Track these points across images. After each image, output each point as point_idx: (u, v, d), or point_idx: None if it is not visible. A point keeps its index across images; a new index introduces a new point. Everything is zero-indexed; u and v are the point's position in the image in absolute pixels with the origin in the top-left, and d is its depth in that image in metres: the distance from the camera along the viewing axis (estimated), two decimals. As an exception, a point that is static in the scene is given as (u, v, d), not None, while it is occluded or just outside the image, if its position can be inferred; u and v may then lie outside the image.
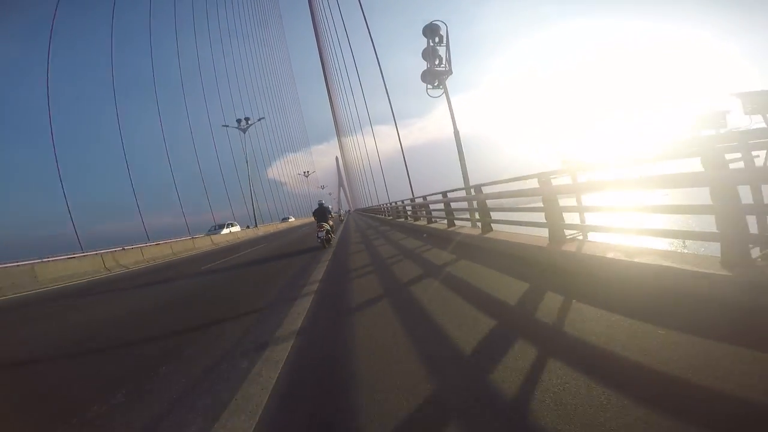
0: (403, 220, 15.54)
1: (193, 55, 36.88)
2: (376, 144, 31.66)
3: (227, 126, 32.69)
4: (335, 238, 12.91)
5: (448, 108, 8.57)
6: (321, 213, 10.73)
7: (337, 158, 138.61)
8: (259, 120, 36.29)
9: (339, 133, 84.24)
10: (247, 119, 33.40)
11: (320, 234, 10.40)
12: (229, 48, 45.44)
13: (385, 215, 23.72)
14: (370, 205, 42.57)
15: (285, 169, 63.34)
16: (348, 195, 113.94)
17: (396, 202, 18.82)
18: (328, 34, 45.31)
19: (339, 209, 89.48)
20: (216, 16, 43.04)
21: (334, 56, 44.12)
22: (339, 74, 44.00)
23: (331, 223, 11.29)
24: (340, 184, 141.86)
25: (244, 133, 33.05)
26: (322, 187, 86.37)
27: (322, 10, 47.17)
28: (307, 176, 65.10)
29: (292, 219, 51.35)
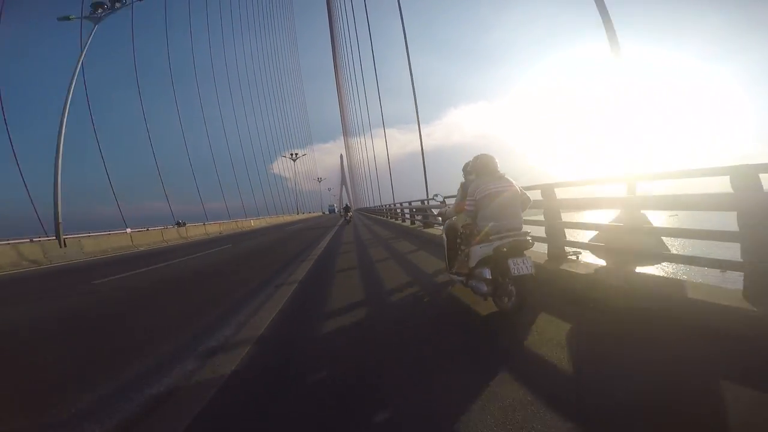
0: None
1: (204, 48, 36.63)
2: (387, 147, 31.34)
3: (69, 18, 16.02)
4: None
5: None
6: (347, 208, 25.53)
7: (341, 156, 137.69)
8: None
9: (345, 132, 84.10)
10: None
11: (346, 217, 23.41)
12: (240, 42, 45.26)
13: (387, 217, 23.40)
14: (372, 205, 42.27)
15: (285, 164, 63.03)
16: (350, 194, 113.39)
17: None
18: (343, 36, 45.20)
19: (337, 206, 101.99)
20: (229, 12, 42.85)
21: (347, 57, 44.03)
22: (350, 75, 43.90)
23: (351, 213, 24.95)
24: (343, 182, 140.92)
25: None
26: (319, 180, 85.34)
27: (340, 14, 47.14)
28: (294, 160, 58.09)
29: None
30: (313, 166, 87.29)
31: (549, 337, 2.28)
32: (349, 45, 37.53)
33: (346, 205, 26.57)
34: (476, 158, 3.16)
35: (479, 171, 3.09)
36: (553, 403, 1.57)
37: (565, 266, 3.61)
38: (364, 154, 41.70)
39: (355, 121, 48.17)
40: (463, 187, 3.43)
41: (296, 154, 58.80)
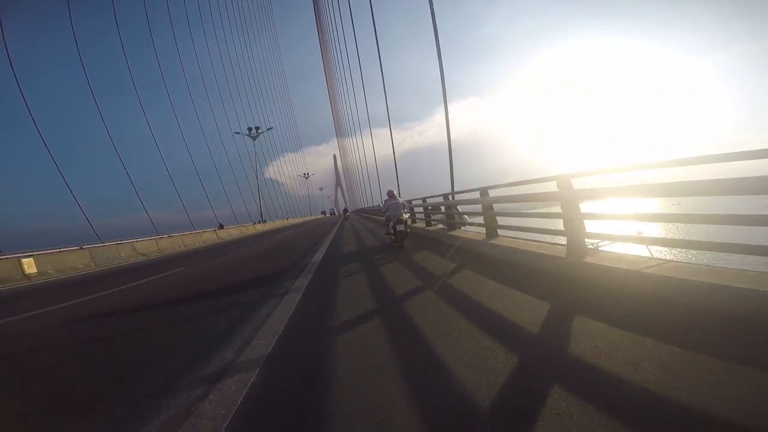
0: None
1: (189, 54, 35.98)
2: (391, 143, 31.12)
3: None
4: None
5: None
6: (345, 210, 48.56)
7: (335, 156, 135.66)
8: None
9: (338, 132, 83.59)
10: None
11: (345, 216, 39.01)
12: (225, 47, 44.66)
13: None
14: (368, 205, 42.13)
15: (281, 169, 62.32)
16: (346, 195, 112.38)
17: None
18: (332, 33, 44.83)
19: (335, 208, 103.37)
20: (210, 15, 42.18)
21: (336, 56, 43.68)
22: (341, 73, 43.55)
23: (349, 213, 43.19)
24: (338, 183, 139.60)
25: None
26: (306, 176, 75.62)
27: (327, 9, 46.75)
28: (254, 138, 39.43)
29: None
30: (303, 166, 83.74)
31: (410, 250, 7.31)
32: (338, 44, 37.23)
33: (345, 208, 45.85)
34: (388, 191, 8.83)
35: (389, 196, 8.71)
36: (400, 259, 6.81)
37: (429, 228, 9.94)
38: (358, 155, 41.50)
39: (348, 121, 47.89)
40: (384, 202, 9.30)
41: (257, 128, 39.08)
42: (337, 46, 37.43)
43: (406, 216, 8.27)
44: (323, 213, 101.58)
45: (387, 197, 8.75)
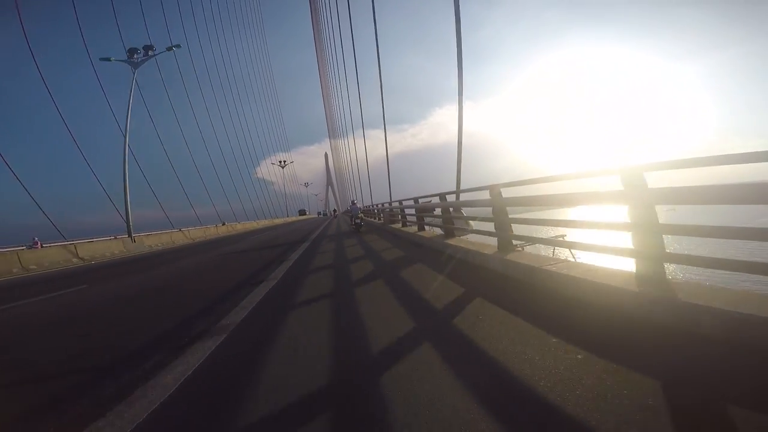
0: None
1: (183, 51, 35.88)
2: (386, 146, 31.60)
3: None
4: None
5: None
6: (335, 211, 67.95)
7: (326, 154, 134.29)
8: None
9: (330, 131, 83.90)
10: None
11: (334, 215, 54.79)
12: (216, 41, 44.76)
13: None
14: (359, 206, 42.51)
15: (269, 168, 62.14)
16: (337, 196, 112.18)
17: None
18: (328, 33, 45.24)
19: (326, 209, 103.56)
20: (203, 17, 42.23)
21: (331, 54, 44.11)
22: (335, 73, 43.98)
23: (337, 213, 62.25)
24: (329, 183, 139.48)
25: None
26: (282, 164, 62.50)
27: (323, 11, 47.17)
28: (136, 63, 23.48)
29: None
30: (289, 166, 77.04)
31: (364, 235, 12.83)
32: (333, 47, 37.71)
33: (334, 209, 54.45)
34: (351, 200, 20.70)
35: (352, 203, 18.59)
36: (360, 238, 11.65)
37: (379, 222, 17.72)
38: (350, 156, 42.05)
39: (339, 123, 48.37)
40: (349, 207, 21.06)
41: (147, 48, 22.37)
42: (332, 49, 37.96)
43: (361, 215, 15.60)
44: (301, 212, 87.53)
45: (351, 204, 17.82)
